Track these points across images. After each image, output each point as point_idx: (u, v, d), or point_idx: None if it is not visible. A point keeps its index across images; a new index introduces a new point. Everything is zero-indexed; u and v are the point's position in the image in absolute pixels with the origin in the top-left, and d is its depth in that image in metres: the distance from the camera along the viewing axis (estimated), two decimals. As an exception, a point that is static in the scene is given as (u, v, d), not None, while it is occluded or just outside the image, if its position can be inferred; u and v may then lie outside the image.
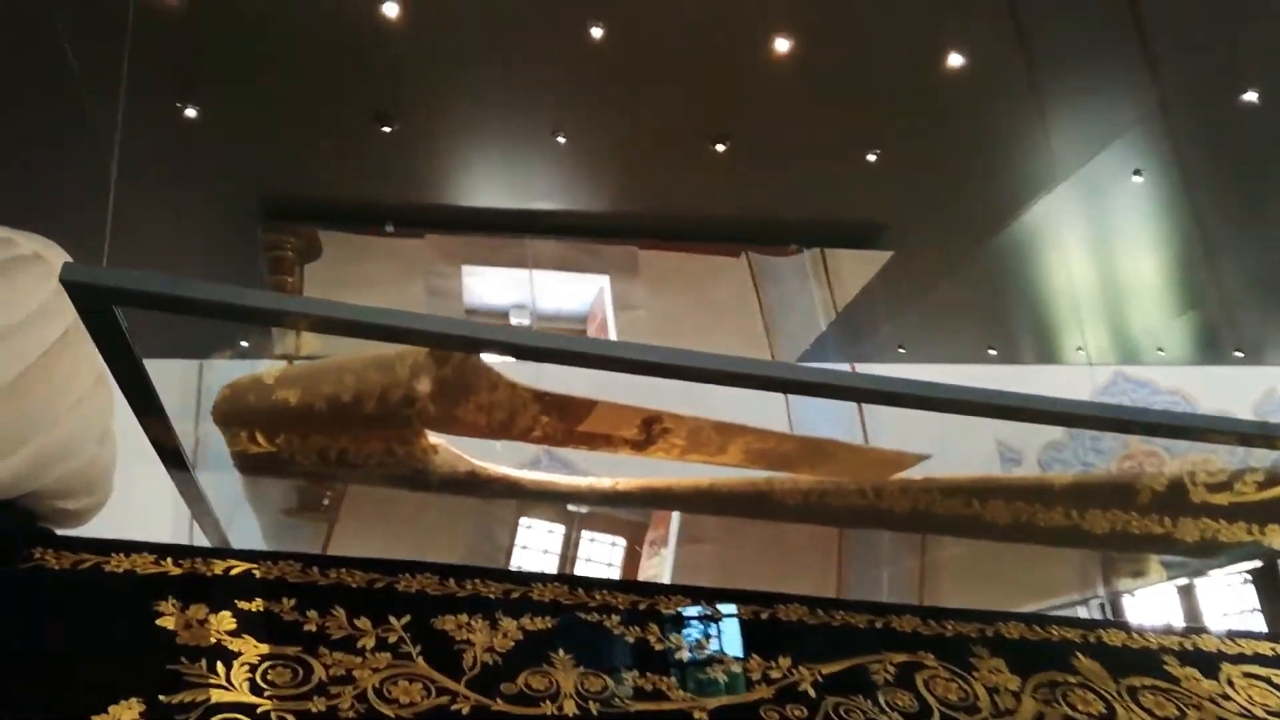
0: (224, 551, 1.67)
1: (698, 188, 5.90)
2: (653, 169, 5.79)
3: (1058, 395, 1.89)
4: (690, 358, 1.59)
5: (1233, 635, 2.10)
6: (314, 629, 1.51)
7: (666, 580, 5.22)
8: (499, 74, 4.86)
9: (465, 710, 1.43)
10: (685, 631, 1.74)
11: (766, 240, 6.63)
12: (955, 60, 4.83)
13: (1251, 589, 7.13)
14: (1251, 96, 5.19)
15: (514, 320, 6.79)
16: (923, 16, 4.61)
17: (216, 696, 1.35)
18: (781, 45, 4.68)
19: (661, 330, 6.73)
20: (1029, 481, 4.23)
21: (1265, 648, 2.08)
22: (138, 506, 2.59)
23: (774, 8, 4.56)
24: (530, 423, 3.02)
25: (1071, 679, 1.84)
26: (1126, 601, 6.97)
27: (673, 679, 1.62)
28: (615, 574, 5.82)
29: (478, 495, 3.06)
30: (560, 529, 5.85)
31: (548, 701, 1.48)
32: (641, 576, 5.62)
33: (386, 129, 5.11)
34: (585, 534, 5.96)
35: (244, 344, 5.60)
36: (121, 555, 1.56)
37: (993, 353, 8.49)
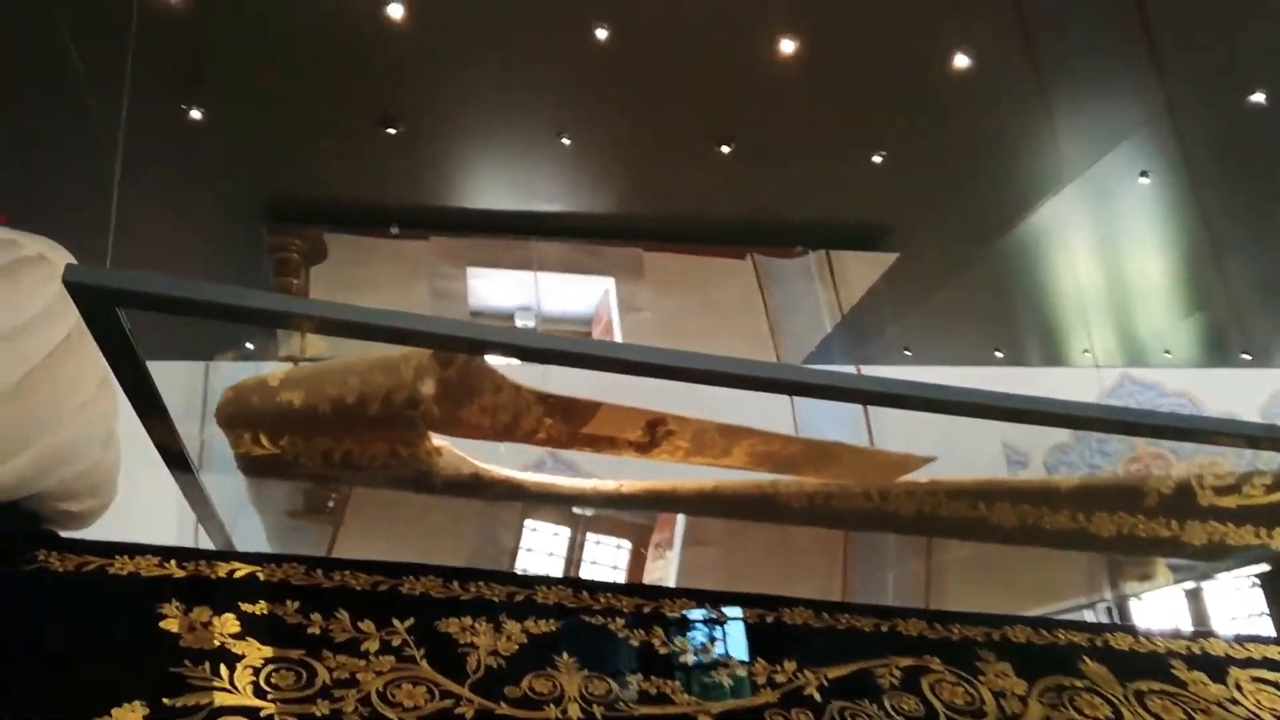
0: (228, 554, 1.67)
1: (702, 189, 5.90)
2: (657, 170, 5.79)
3: (1064, 397, 1.88)
4: (695, 360, 1.59)
5: (1241, 639, 2.09)
6: (318, 632, 1.51)
7: (671, 583, 5.22)
8: (503, 76, 4.86)
9: (469, 714, 1.43)
10: (690, 635, 1.73)
11: (771, 242, 6.62)
12: (961, 61, 4.82)
13: (1260, 593, 7.08)
14: (1259, 97, 5.18)
15: (519, 322, 6.80)
16: (928, 17, 4.60)
17: (220, 699, 1.35)
18: (786, 46, 4.67)
19: (667, 332, 6.73)
20: (1035, 484, 4.22)
21: (1274, 652, 2.07)
22: (143, 509, 2.59)
23: (779, 9, 4.55)
24: (534, 425, 3.02)
25: (1078, 683, 1.83)
26: (1133, 605, 6.93)
27: (677, 683, 1.61)
28: (620, 577, 5.81)
29: (482, 497, 3.05)
30: (565, 531, 5.84)
31: (551, 705, 1.48)
32: (646, 579, 5.61)
33: (391, 131, 5.11)
34: (590, 536, 5.96)
35: (249, 346, 5.60)
36: (125, 557, 1.56)
37: (999, 355, 8.47)
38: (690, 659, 1.68)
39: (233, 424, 2.63)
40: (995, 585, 3.87)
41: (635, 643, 1.67)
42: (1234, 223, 6.47)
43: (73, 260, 1.72)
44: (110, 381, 1.70)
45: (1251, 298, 7.66)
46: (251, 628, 1.48)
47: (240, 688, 1.37)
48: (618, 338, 6.66)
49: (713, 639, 1.74)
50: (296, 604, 1.55)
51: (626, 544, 5.97)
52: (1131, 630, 2.04)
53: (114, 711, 1.28)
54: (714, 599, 1.82)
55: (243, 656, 1.43)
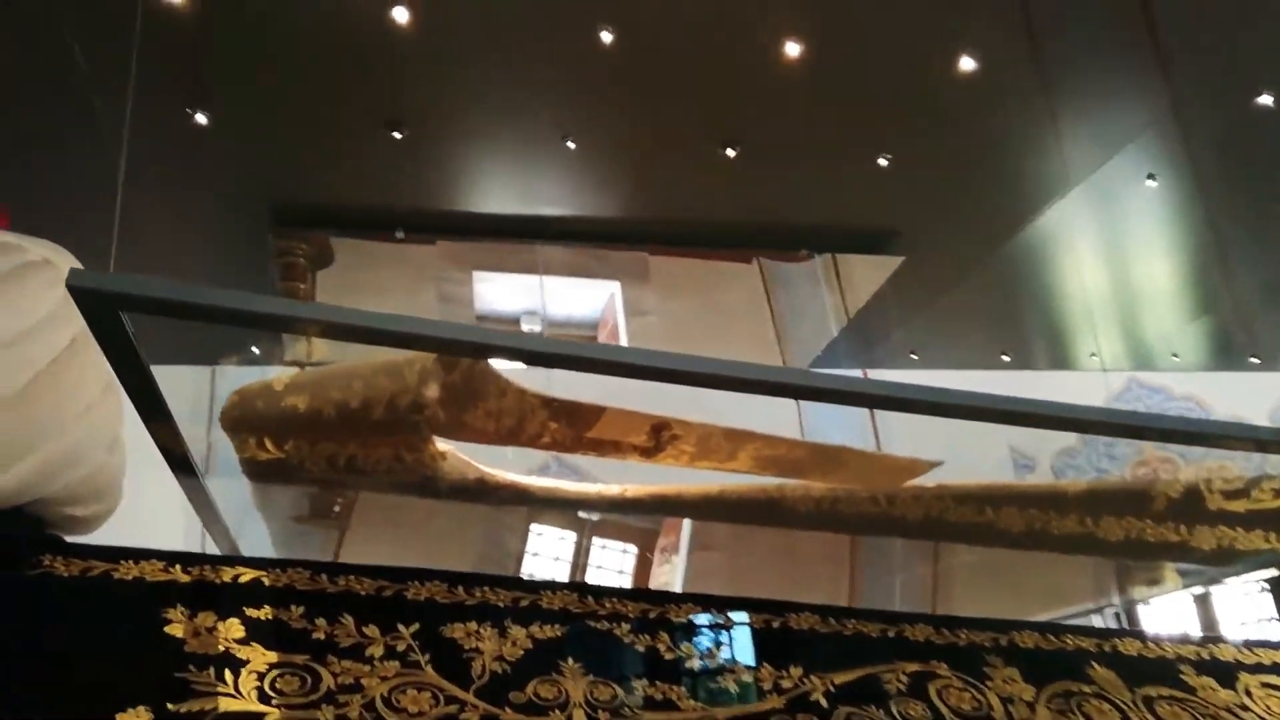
0: (233, 559, 1.67)
1: (708, 193, 5.90)
2: (663, 174, 5.79)
3: (1071, 401, 1.87)
4: (701, 364, 1.59)
5: (1250, 645, 2.07)
6: (322, 637, 1.50)
7: (678, 588, 5.21)
8: (508, 79, 4.87)
9: (474, 719, 1.42)
10: (696, 640, 1.73)
11: (777, 245, 6.62)
12: (967, 64, 4.82)
13: (1269, 597, 7.06)
14: (1266, 100, 5.17)
15: (525, 327, 6.80)
16: (933, 20, 4.60)
17: (224, 705, 1.35)
18: (791, 49, 4.67)
19: (673, 336, 6.72)
20: (1043, 488, 4.21)
21: (1284, 657, 2.05)
22: (151, 514, 2.59)
23: (783, 12, 4.55)
24: (539, 429, 3.01)
25: (1086, 689, 1.82)
26: (1142, 610, 6.90)
27: (683, 688, 1.60)
28: (626, 581, 5.81)
29: (486, 502, 3.05)
30: (571, 536, 5.84)
31: (557, 711, 1.47)
32: (653, 584, 5.61)
33: (396, 135, 5.12)
34: (596, 541, 5.95)
35: (254, 350, 5.61)
36: (130, 562, 1.56)
37: (1006, 358, 8.45)
38: (696, 664, 1.68)
39: (237, 428, 2.63)
40: (1003, 590, 3.86)
41: (641, 648, 1.66)
42: (1241, 225, 6.45)
43: (78, 264, 1.72)
44: (115, 386, 1.70)
45: (1259, 301, 7.64)
46: (256, 633, 1.48)
47: (245, 693, 1.37)
48: (623, 341, 6.66)
49: (719, 644, 1.74)
50: (301, 609, 1.54)
51: (632, 549, 5.97)
52: (1140, 635, 2.03)
53: (118, 716, 1.28)
54: (720, 604, 1.82)
55: (247, 662, 1.42)
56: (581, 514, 5.50)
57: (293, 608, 1.54)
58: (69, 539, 1.74)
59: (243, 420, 2.63)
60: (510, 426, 2.95)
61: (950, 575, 3.95)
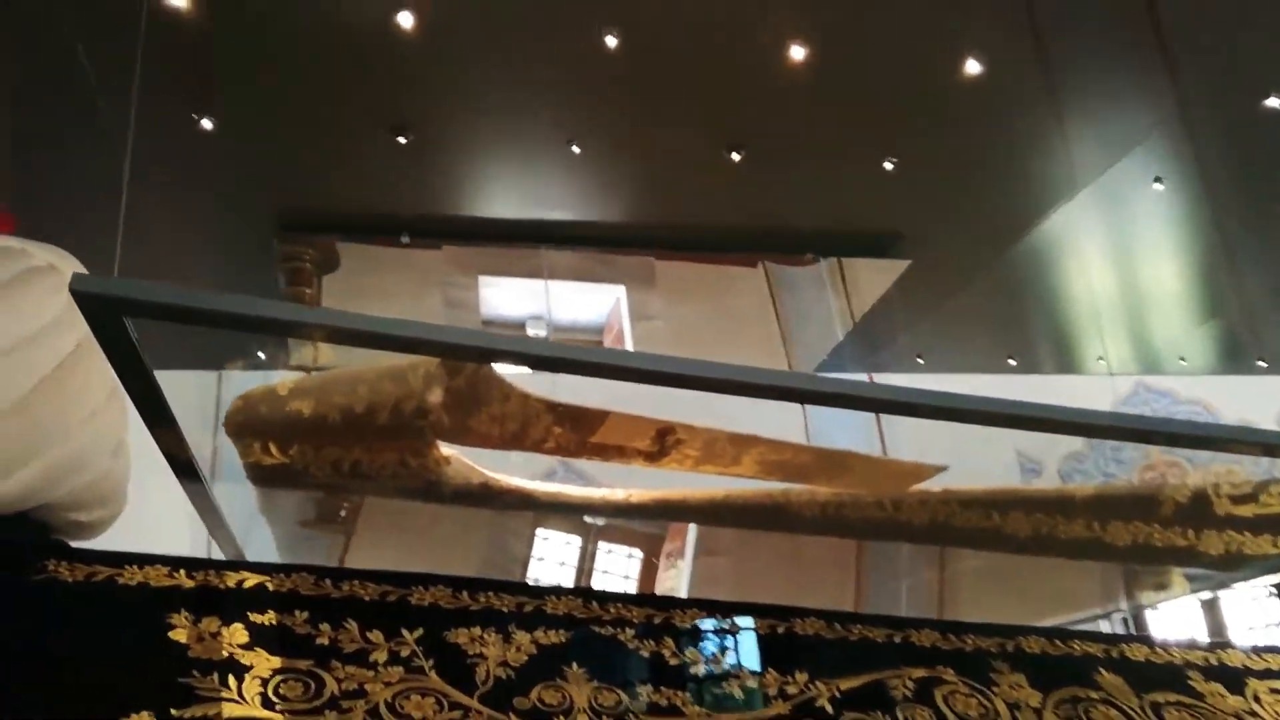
0: (237, 564, 1.67)
1: (713, 197, 5.89)
2: (668, 178, 5.79)
3: (1078, 405, 1.86)
4: (706, 368, 1.58)
5: (1259, 650, 2.06)
6: (326, 642, 1.50)
7: (683, 593, 5.20)
8: (513, 84, 4.87)
9: (477, 725, 1.42)
10: (701, 645, 1.72)
11: (783, 249, 6.61)
12: (972, 67, 4.81)
13: (1277, 602, 7.03)
14: (1274, 102, 5.15)
15: (531, 331, 6.80)
16: (939, 23, 4.59)
17: (228, 710, 1.34)
18: (796, 53, 4.67)
19: (678, 340, 6.72)
20: (1049, 493, 4.19)
21: (1292, 663, 2.04)
22: (156, 519, 2.60)
23: (788, 15, 4.55)
24: (543, 434, 3.01)
25: (1094, 694, 1.81)
26: (1149, 615, 6.88)
27: (688, 694, 1.60)
28: (632, 586, 5.80)
29: (490, 507, 3.05)
30: (576, 540, 5.84)
31: (561, 716, 1.47)
32: (658, 589, 5.60)
33: (401, 139, 5.13)
34: (602, 545, 5.95)
35: (260, 355, 5.62)
36: (135, 567, 1.56)
37: (1012, 362, 8.43)
38: (701, 670, 1.67)
39: (242, 433, 2.63)
40: (1009, 595, 3.85)
41: (645, 653, 1.66)
42: (1249, 228, 6.43)
43: (83, 270, 1.73)
44: (120, 391, 1.70)
45: (1267, 304, 7.61)
46: (260, 638, 1.48)
47: (248, 698, 1.37)
48: (629, 346, 6.66)
49: (724, 650, 1.73)
50: (305, 614, 1.54)
51: (638, 553, 5.96)
52: (1148, 641, 2.02)
53: (121, 721, 1.28)
54: (725, 609, 1.81)
55: (251, 667, 1.42)
56: (587, 519, 5.49)
57: (297, 613, 1.54)
58: (73, 544, 1.74)
59: (247, 425, 2.63)
60: (514, 431, 2.95)
61: (957, 580, 3.94)
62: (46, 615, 1.48)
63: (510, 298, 6.81)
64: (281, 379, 2.69)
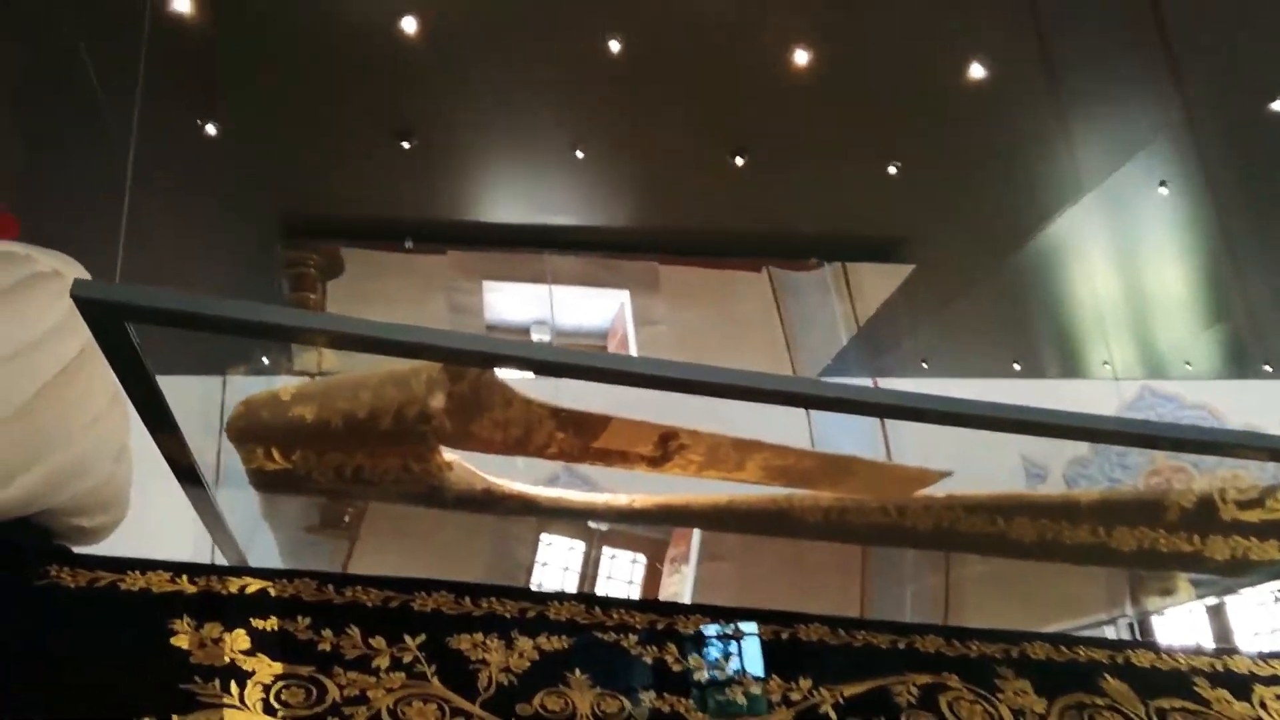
0: (239, 569, 1.66)
1: (717, 201, 5.89)
2: (672, 183, 5.79)
3: (1083, 410, 1.86)
4: (710, 373, 1.58)
5: (1265, 656, 2.05)
6: (328, 648, 1.50)
7: (687, 598, 5.19)
8: (517, 89, 4.87)
9: (480, 731, 1.42)
10: (704, 652, 1.71)
11: (787, 254, 6.61)
12: (976, 71, 4.81)
13: (1283, 607, 7.01)
14: (1279, 105, 5.14)
15: (535, 336, 6.80)
16: (942, 27, 4.59)
17: (230, 716, 1.34)
18: (800, 57, 4.67)
19: (683, 345, 6.71)
20: (1054, 498, 4.18)
21: (1299, 669, 2.03)
22: (160, 524, 2.59)
23: (792, 19, 4.55)
24: (546, 439, 3.01)
25: (1099, 701, 1.80)
26: (1155, 621, 6.86)
27: (691, 700, 1.59)
28: (636, 591, 5.79)
29: (493, 512, 3.04)
30: (580, 545, 5.83)
31: (564, 723, 1.47)
32: (663, 594, 5.59)
33: (405, 144, 5.13)
34: (606, 551, 5.94)
35: (264, 360, 5.63)
36: (137, 573, 1.56)
37: (1017, 367, 8.42)
38: (704, 676, 1.66)
39: (244, 439, 2.63)
40: (1014, 601, 3.84)
41: (648, 660, 1.65)
42: (1255, 233, 6.41)
43: (87, 276, 1.73)
44: (123, 396, 1.70)
45: (1273, 309, 7.59)
46: (262, 644, 1.48)
47: (250, 705, 1.37)
48: (633, 351, 6.66)
49: (727, 656, 1.72)
50: (307, 620, 1.54)
51: (642, 558, 5.95)
52: (1153, 647, 2.01)
53: (123, 728, 1.28)
54: (728, 615, 1.80)
55: (253, 673, 1.42)
56: (590, 524, 5.49)
57: (299, 619, 1.54)
58: (76, 549, 1.74)
59: (249, 430, 2.63)
60: (517, 436, 2.95)
61: (961, 586, 3.93)
62: (49, 621, 1.48)
63: (514, 303, 6.81)
64: (284, 384, 2.69)
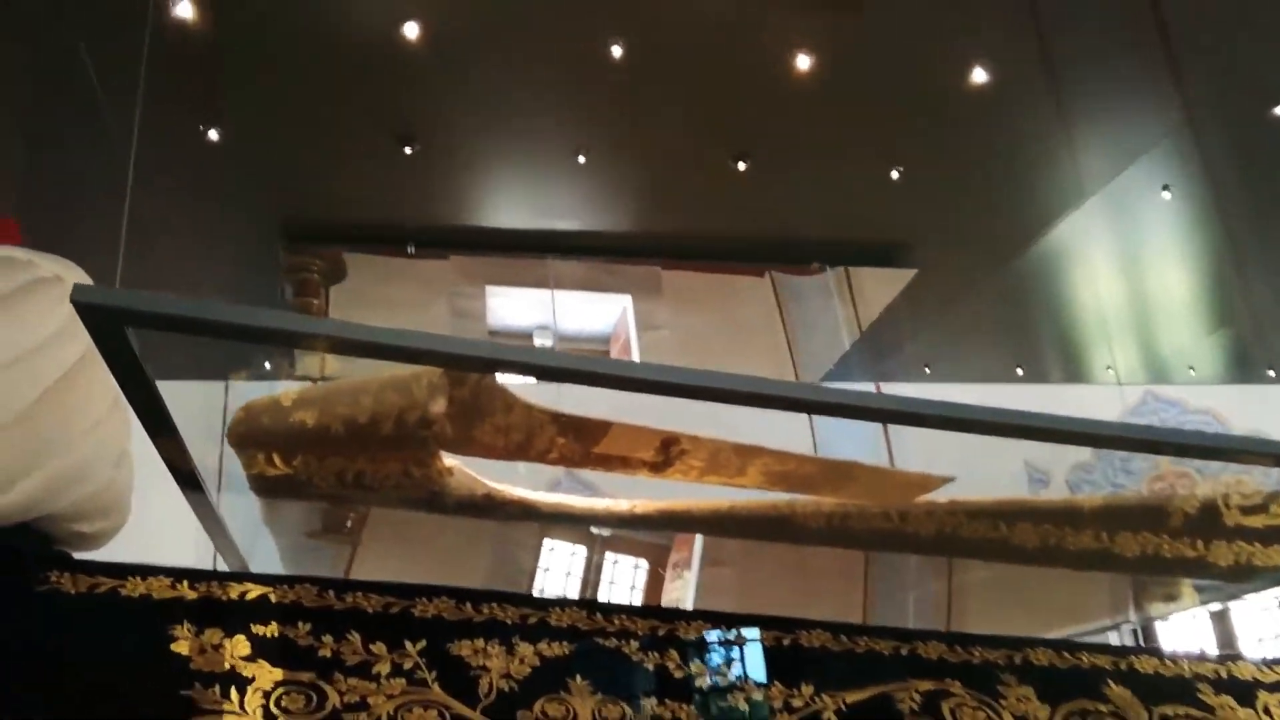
0: (240, 575, 1.66)
1: (719, 206, 5.90)
2: (674, 188, 5.79)
3: (1086, 415, 1.85)
4: (713, 378, 1.57)
5: (1269, 662, 2.04)
6: (329, 654, 1.50)
7: (690, 604, 5.19)
8: (519, 94, 4.88)
9: (481, 738, 1.41)
10: (706, 658, 1.71)
11: (789, 259, 6.62)
12: (979, 76, 4.81)
13: (1288, 613, 6.99)
14: (1282, 110, 5.14)
15: (537, 341, 6.81)
16: (945, 32, 4.59)
17: (230, 722, 1.34)
18: (802, 62, 4.67)
19: (685, 350, 6.72)
20: (1057, 504, 4.17)
21: (1304, 675, 2.02)
22: (161, 530, 2.59)
23: (795, 25, 4.55)
24: (547, 444, 3.00)
25: (1102, 707, 1.79)
26: (1159, 627, 6.84)
27: (693, 706, 1.59)
28: (638, 596, 5.79)
29: (494, 518, 3.04)
30: (582, 551, 5.83)
31: (564, 729, 1.46)
32: (665, 599, 5.59)
33: (408, 150, 5.14)
34: (608, 556, 5.94)
35: (266, 365, 5.63)
36: (137, 579, 1.55)
37: (1020, 372, 8.41)
38: (706, 682, 1.66)
39: (245, 444, 2.62)
40: (1017, 607, 3.82)
41: (650, 666, 1.65)
42: (1258, 237, 6.40)
43: (88, 280, 1.73)
44: (123, 402, 1.69)
45: (1276, 313, 7.58)
46: (263, 650, 1.47)
47: (250, 711, 1.36)
48: (636, 356, 6.66)
49: (729, 662, 1.72)
50: (308, 626, 1.54)
51: (644, 563, 5.95)
52: (1157, 653, 2.00)
53: (123, 734, 1.27)
54: (730, 621, 1.80)
55: (253, 679, 1.41)
56: (593, 530, 5.49)
57: (299, 625, 1.53)
58: (76, 555, 1.73)
59: (250, 436, 2.62)
60: (518, 441, 2.94)
61: (964, 592, 3.92)
62: (49, 626, 1.47)
63: (517, 308, 6.82)
64: (285, 389, 2.68)
